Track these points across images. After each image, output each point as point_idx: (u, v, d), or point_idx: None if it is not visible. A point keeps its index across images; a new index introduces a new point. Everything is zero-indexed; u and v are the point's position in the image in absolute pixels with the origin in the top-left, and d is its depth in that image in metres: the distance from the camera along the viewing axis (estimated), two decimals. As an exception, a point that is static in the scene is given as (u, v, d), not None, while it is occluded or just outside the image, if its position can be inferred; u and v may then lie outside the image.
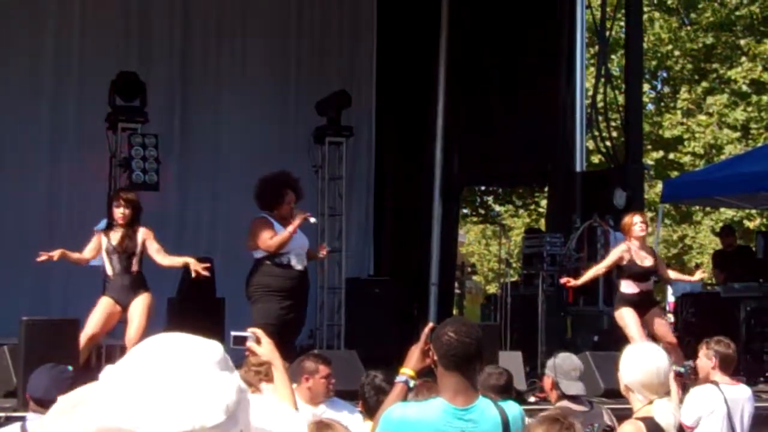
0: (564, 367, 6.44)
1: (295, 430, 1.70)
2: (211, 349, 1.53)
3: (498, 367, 6.78)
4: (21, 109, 13.56)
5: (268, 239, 9.57)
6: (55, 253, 9.07)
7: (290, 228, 9.57)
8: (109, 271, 9.28)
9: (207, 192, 14.78)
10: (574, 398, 6.33)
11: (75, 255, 9.32)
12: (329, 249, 10.29)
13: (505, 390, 6.12)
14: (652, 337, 10.69)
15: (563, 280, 11.21)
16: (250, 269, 9.80)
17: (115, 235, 9.27)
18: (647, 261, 10.58)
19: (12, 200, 13.19)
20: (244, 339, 4.42)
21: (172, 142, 14.16)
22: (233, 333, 4.52)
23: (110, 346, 10.71)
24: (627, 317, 10.46)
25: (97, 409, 1.46)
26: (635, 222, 10.57)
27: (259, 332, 4.44)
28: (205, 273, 9.40)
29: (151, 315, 9.33)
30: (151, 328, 11.79)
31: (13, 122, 13.46)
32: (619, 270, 10.70)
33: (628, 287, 10.57)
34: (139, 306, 9.20)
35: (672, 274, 11.60)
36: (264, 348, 4.42)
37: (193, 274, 9.27)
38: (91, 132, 13.19)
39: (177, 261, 9.54)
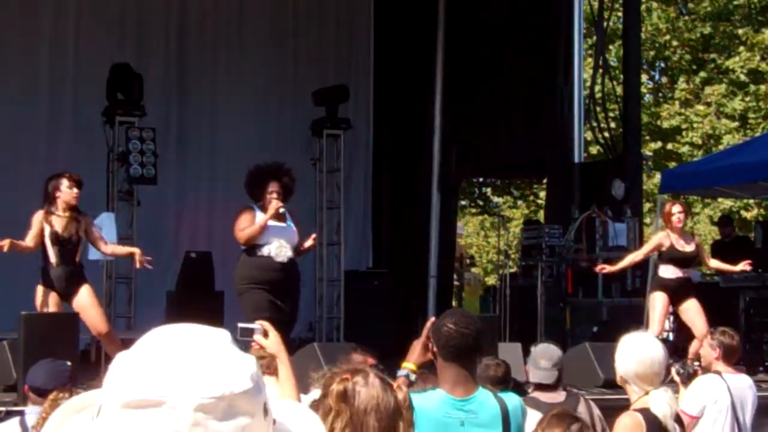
0: (535, 355, 6.48)
1: (304, 418, 1.69)
2: (222, 332, 1.52)
3: (496, 358, 6.79)
4: (17, 103, 13.54)
5: (239, 230, 9.55)
6: (5, 243, 8.43)
7: (260, 221, 9.48)
8: (51, 259, 8.68)
9: (205, 185, 14.78)
10: (544, 388, 6.35)
11: (21, 243, 8.64)
12: (315, 237, 10.10)
13: (503, 381, 6.12)
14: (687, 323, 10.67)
15: (598, 268, 11.25)
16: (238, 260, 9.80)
17: (59, 222, 8.67)
18: (688, 247, 10.61)
19: (9, 195, 13.17)
20: (251, 331, 4.42)
21: (169, 136, 14.16)
22: (240, 324, 4.52)
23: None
24: (657, 302, 10.48)
25: (120, 385, 1.42)
26: (673, 212, 10.59)
27: (267, 325, 4.44)
28: (149, 266, 9.01)
29: (100, 300, 9.16)
30: (149, 321, 11.78)
31: (10, 117, 13.44)
32: (660, 255, 10.70)
33: (666, 272, 10.56)
34: (85, 297, 8.82)
35: (713, 263, 11.55)
36: (271, 341, 4.43)
37: (138, 265, 9.09)
38: (89, 126, 13.19)
39: (120, 250, 9.36)
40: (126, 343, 8.60)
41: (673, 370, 7.05)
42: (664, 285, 10.54)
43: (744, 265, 11.40)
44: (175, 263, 12.66)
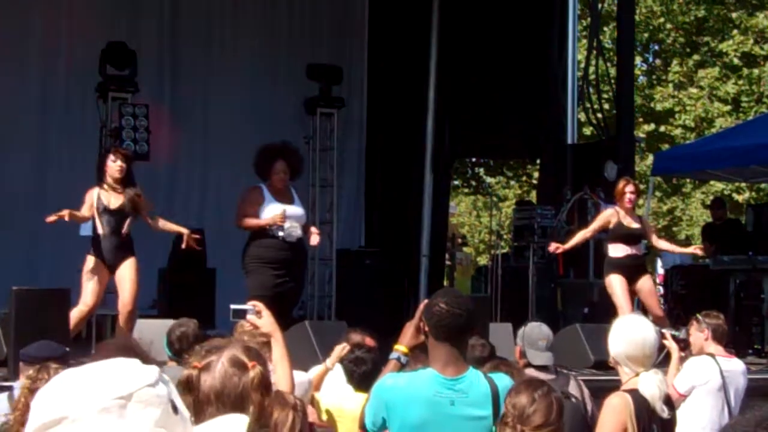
0: (532, 336, 6.43)
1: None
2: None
3: (481, 339, 6.78)
4: (10, 79, 13.49)
5: (242, 216, 9.57)
6: (65, 213, 8.63)
7: (262, 222, 9.52)
8: (99, 230, 8.91)
9: (197, 163, 14.76)
10: (540, 368, 6.34)
11: (79, 214, 8.87)
12: (319, 233, 10.09)
13: (488, 361, 6.12)
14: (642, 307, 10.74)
15: (551, 247, 11.25)
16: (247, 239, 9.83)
17: (108, 194, 8.94)
18: (635, 224, 10.62)
19: (2, 170, 13.16)
20: (244, 312, 4.42)
21: (162, 112, 14.13)
22: (233, 306, 4.52)
23: (100, 317, 10.71)
24: (615, 285, 10.47)
25: (31, 418, 1.56)
26: (626, 191, 10.62)
27: (260, 305, 4.44)
28: (196, 246, 9.21)
29: (139, 279, 9.25)
30: (141, 298, 11.82)
31: (2, 93, 13.40)
32: (607, 234, 10.74)
33: (615, 250, 10.58)
34: (129, 270, 9.00)
35: (663, 243, 11.60)
36: (264, 321, 4.43)
37: (184, 245, 9.17)
38: (82, 102, 13.16)
39: (171, 227, 9.39)
40: (116, 320, 8.54)
41: (668, 334, 7.06)
42: (616, 265, 10.56)
43: (695, 249, 11.44)
44: (167, 240, 12.62)
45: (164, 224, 9.35)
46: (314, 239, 9.79)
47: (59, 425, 1.50)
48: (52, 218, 8.66)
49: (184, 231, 9.20)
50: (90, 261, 8.99)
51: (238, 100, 14.83)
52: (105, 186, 8.98)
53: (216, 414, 2.80)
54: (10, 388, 5.87)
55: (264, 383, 2.86)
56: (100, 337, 10.47)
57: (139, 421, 1.51)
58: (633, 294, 10.70)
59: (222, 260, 12.15)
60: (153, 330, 7.78)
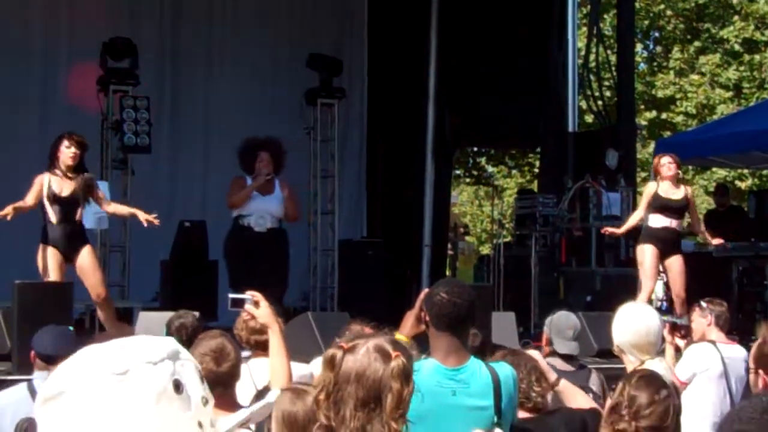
0: (559, 325, 6.43)
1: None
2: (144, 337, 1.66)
3: (473, 328, 6.77)
4: (11, 72, 13.48)
5: (228, 198, 9.75)
6: (8, 211, 8.50)
7: (248, 188, 9.68)
8: (50, 218, 8.76)
9: (199, 154, 14.75)
10: (565, 358, 6.33)
11: (22, 205, 8.70)
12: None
13: (480, 351, 6.10)
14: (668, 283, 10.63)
15: (603, 230, 11.20)
16: None
17: (57, 182, 8.77)
18: (676, 195, 10.43)
19: (2, 164, 13.14)
20: (242, 301, 4.42)
21: (163, 105, 14.12)
22: (231, 295, 4.52)
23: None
24: (646, 254, 10.35)
25: (42, 387, 1.60)
26: (662, 163, 10.48)
27: (258, 295, 4.44)
28: (155, 221, 8.97)
29: (100, 264, 9.20)
30: (143, 290, 11.83)
31: (3, 85, 13.39)
32: (649, 205, 10.57)
33: (655, 221, 10.41)
34: (87, 259, 8.91)
35: (702, 227, 11.45)
36: (262, 311, 4.42)
37: (145, 224, 9.07)
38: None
39: (123, 209, 9.31)
40: (119, 313, 8.62)
41: (667, 322, 7.04)
42: (651, 235, 10.44)
43: (718, 240, 11.36)
44: (169, 232, 12.62)
45: (116, 208, 9.28)
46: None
47: (59, 399, 1.54)
48: None
49: (139, 211, 9.05)
50: (43, 249, 8.82)
51: (239, 91, 14.81)
52: (57, 172, 8.81)
53: (354, 395, 2.83)
54: (15, 382, 5.89)
55: (405, 374, 2.88)
56: (102, 328, 10.47)
57: (135, 397, 1.54)
58: (664, 269, 10.62)
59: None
60: (155, 322, 7.79)
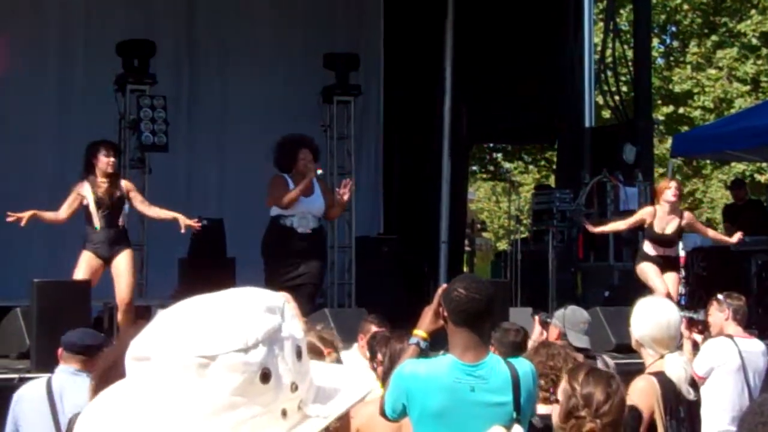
0: (574, 318, 6.44)
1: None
2: (262, 293, 1.56)
3: (515, 324, 6.77)
4: (28, 71, 13.51)
5: (279, 197, 9.66)
6: (25, 215, 8.74)
7: (300, 185, 9.63)
8: (95, 224, 8.93)
9: (216, 153, 14.76)
10: (579, 351, 6.34)
11: (49, 215, 9.00)
12: (348, 184, 10.08)
13: (520, 348, 6.11)
14: None
15: (590, 228, 11.30)
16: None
17: (99, 187, 8.94)
18: (669, 228, 10.50)
19: (20, 163, 13.19)
20: None
21: (180, 104, 14.15)
22: None
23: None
24: (647, 270, 10.48)
25: (136, 339, 1.54)
26: (670, 186, 10.54)
27: (287, 296, 4.45)
28: (197, 226, 9.21)
29: (136, 271, 9.25)
30: (161, 288, 11.85)
31: (21, 86, 13.41)
32: (645, 231, 10.72)
33: (649, 249, 10.59)
34: (124, 262, 9.02)
35: (711, 233, 11.64)
36: None
37: (182, 230, 9.18)
38: (100, 94, 13.18)
39: (164, 214, 9.36)
40: (138, 310, 8.69)
41: (684, 317, 7.03)
42: (648, 258, 10.56)
43: (738, 236, 11.38)
44: (187, 230, 12.66)
45: (158, 212, 9.34)
46: (345, 194, 9.89)
47: (145, 362, 1.49)
48: (11, 218, 8.72)
49: (180, 216, 9.18)
50: (84, 255, 8.99)
51: (255, 89, 14.82)
52: (94, 179, 8.97)
53: None
54: (49, 377, 5.95)
55: None
56: (118, 329, 10.50)
57: (216, 385, 1.46)
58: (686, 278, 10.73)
59: (241, 249, 12.16)
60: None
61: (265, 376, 1.48)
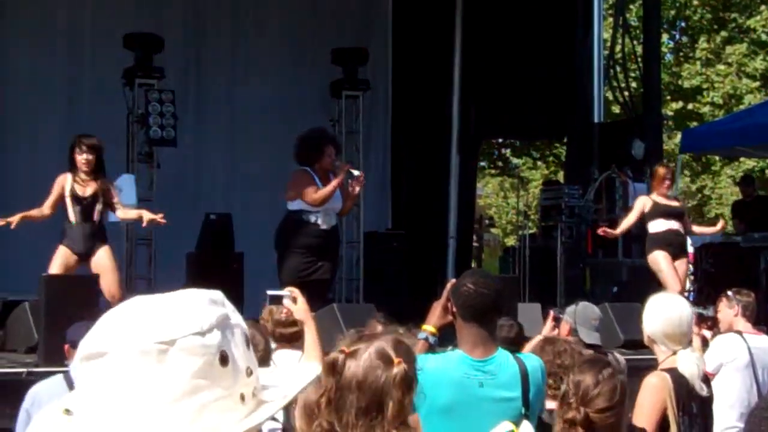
0: (585, 315, 6.43)
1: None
2: (200, 291, 1.59)
3: (510, 319, 6.77)
4: (36, 66, 13.52)
5: (312, 192, 9.53)
6: (14, 219, 8.75)
7: (334, 182, 9.52)
8: (71, 218, 8.93)
9: (224, 147, 14.76)
10: (590, 348, 6.33)
11: (35, 212, 8.96)
12: (361, 176, 10.03)
13: (515, 342, 6.10)
14: None
15: (600, 230, 11.25)
16: (280, 222, 9.84)
17: (79, 182, 8.93)
18: (673, 202, 10.76)
19: (28, 159, 13.20)
20: (280, 298, 4.45)
21: (188, 98, 14.14)
22: (270, 292, 4.56)
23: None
24: (660, 261, 10.45)
25: (83, 342, 1.55)
26: (665, 175, 10.66)
27: (296, 291, 4.46)
28: (162, 221, 9.12)
29: (118, 265, 9.23)
30: (169, 283, 11.81)
31: (29, 79, 13.44)
32: (647, 215, 10.70)
33: (657, 226, 10.58)
34: (105, 258, 8.99)
35: (695, 227, 11.68)
36: (299, 307, 4.44)
37: (144, 224, 9.15)
38: (108, 88, 13.19)
39: (131, 213, 9.37)
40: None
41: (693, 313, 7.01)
42: (658, 240, 10.55)
43: (721, 224, 11.43)
44: (195, 225, 12.65)
45: (125, 213, 9.32)
46: (357, 188, 9.87)
47: (100, 359, 1.50)
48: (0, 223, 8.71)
49: (144, 212, 9.19)
50: (58, 251, 8.97)
51: (264, 84, 14.81)
52: (76, 175, 8.97)
53: (356, 403, 2.77)
54: (45, 375, 5.94)
55: (407, 381, 2.81)
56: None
57: (177, 369, 1.49)
58: (695, 272, 10.75)
59: (249, 244, 12.17)
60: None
61: (224, 359, 1.52)
